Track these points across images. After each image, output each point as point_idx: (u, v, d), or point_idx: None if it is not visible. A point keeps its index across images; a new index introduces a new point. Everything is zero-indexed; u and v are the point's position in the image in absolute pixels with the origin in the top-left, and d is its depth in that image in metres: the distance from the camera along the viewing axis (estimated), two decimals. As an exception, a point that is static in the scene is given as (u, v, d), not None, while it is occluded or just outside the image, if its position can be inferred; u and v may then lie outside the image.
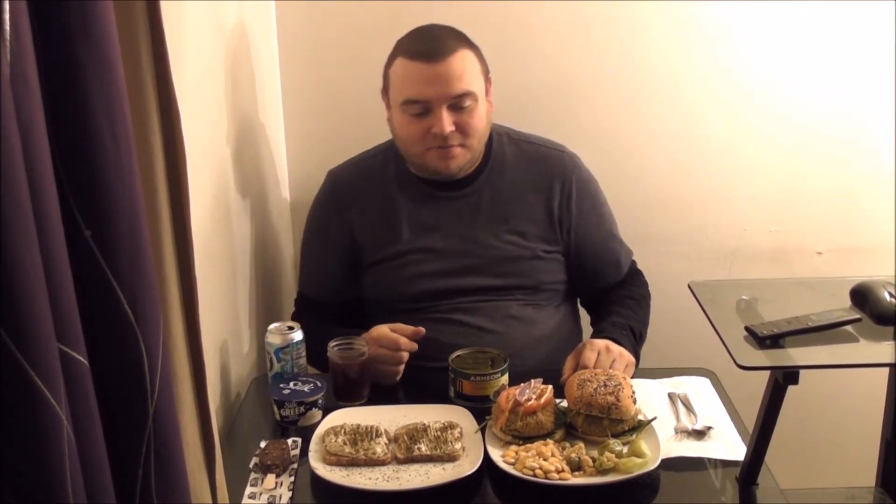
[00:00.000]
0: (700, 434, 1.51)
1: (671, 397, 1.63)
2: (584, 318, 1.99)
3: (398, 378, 1.69)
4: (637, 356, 1.75)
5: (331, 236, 1.86)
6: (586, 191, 1.86)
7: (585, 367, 1.60)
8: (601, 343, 1.67)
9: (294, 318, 1.85)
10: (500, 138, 1.84)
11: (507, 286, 1.80)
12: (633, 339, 1.77)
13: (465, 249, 1.80)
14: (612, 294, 1.90)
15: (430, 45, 1.69)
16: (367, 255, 1.84)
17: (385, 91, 1.78)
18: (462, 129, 1.71)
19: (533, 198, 1.82)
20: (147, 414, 0.83)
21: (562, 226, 1.82)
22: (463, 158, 1.75)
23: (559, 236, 1.83)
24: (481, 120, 1.74)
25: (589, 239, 1.86)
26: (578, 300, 1.97)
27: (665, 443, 1.46)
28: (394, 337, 1.66)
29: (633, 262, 1.97)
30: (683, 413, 1.57)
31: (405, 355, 1.66)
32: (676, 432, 1.52)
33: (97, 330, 0.78)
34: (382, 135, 1.86)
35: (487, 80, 1.77)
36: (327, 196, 1.89)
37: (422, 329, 1.67)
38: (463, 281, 1.79)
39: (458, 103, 1.69)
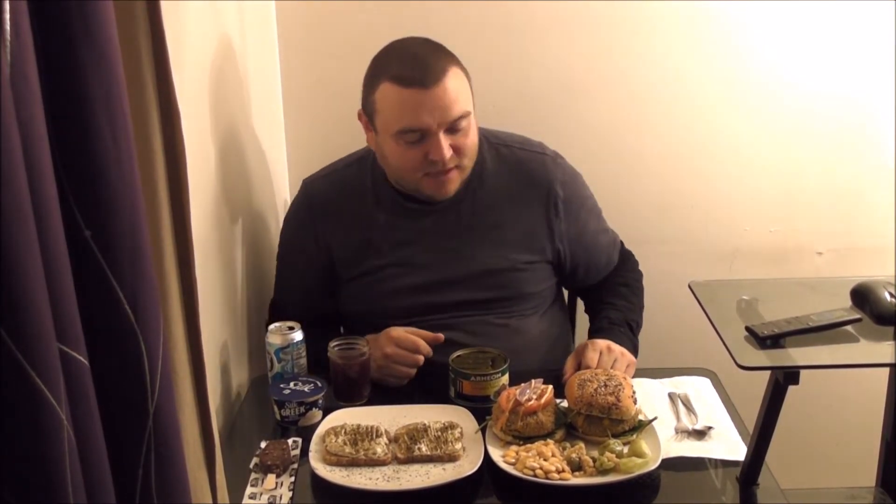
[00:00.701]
0: (700, 434, 1.51)
1: (671, 397, 1.63)
2: (577, 309, 1.99)
3: (406, 381, 1.68)
4: (636, 347, 1.75)
5: (308, 251, 1.81)
6: (573, 193, 1.79)
7: (588, 368, 1.60)
8: (603, 343, 1.67)
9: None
10: (478, 144, 1.73)
11: (491, 299, 1.75)
12: (632, 332, 1.77)
13: (445, 263, 1.74)
14: (604, 283, 1.89)
15: (420, 68, 1.59)
16: (345, 269, 1.79)
17: (369, 115, 1.68)
18: (458, 151, 1.64)
19: (515, 207, 1.75)
20: (147, 414, 0.83)
21: (552, 233, 1.77)
22: (458, 181, 1.69)
23: (546, 245, 1.77)
24: (475, 137, 1.68)
25: (581, 239, 1.81)
26: (568, 292, 1.95)
27: (665, 443, 1.46)
28: (413, 339, 1.65)
29: (621, 244, 1.94)
30: (684, 413, 1.57)
31: (421, 358, 1.65)
32: (677, 432, 1.52)
33: (97, 330, 0.78)
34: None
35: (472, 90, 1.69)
36: (303, 209, 1.82)
37: (441, 336, 1.66)
38: (445, 295, 1.74)
39: (454, 126, 1.62)
